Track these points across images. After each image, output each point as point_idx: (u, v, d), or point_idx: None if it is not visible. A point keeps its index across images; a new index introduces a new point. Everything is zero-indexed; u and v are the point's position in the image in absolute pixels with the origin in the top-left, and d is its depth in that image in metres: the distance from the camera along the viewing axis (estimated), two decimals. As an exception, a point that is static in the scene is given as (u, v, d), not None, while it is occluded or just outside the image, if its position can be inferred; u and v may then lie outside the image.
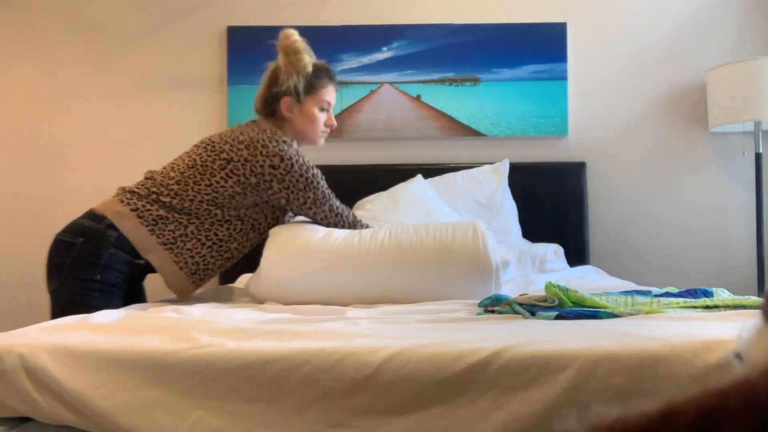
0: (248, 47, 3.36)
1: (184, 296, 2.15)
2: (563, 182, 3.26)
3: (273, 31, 3.43)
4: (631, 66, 3.36)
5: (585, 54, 3.37)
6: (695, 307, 1.63)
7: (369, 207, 2.97)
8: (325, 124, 2.25)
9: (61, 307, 1.97)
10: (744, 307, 1.60)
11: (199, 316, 1.66)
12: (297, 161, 2.07)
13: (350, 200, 3.12)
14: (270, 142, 2.07)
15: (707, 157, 3.34)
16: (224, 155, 2.06)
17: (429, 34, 3.37)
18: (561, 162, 3.30)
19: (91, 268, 1.98)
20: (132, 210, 2.03)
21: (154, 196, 2.06)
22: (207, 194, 2.06)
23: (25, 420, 1.31)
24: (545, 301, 1.68)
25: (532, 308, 1.65)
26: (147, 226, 2.03)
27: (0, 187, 3.40)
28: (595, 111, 3.37)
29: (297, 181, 2.07)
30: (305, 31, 3.41)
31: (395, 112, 3.36)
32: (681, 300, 1.72)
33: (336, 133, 3.35)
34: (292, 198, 2.08)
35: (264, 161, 2.05)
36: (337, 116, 3.35)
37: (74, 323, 1.55)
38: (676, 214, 3.34)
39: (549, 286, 1.69)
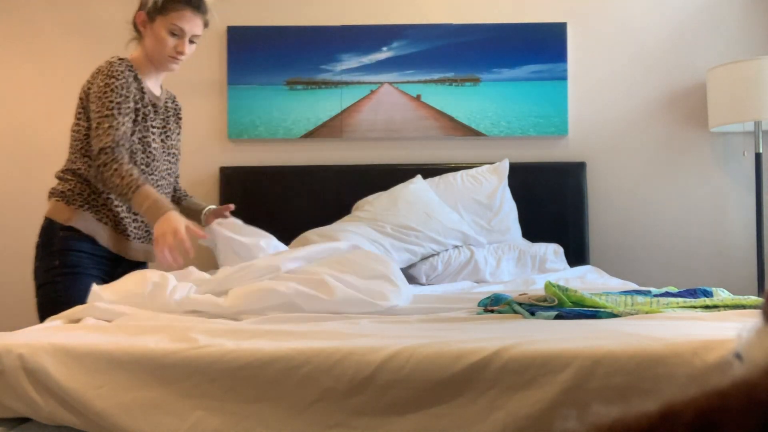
0: (248, 47, 3.36)
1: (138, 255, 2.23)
2: (563, 182, 3.26)
3: (273, 31, 3.45)
4: (631, 66, 3.36)
5: (585, 54, 3.37)
6: (695, 307, 1.63)
7: (369, 207, 2.97)
8: (176, 50, 2.19)
9: (39, 298, 2.12)
10: (744, 307, 1.60)
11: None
12: (105, 72, 2.09)
13: (350, 200, 3.12)
14: (103, 64, 2.13)
15: (707, 157, 3.34)
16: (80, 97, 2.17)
17: (429, 34, 3.37)
18: (561, 162, 3.30)
19: (49, 256, 2.10)
20: (50, 195, 2.16)
21: (59, 175, 2.18)
22: (76, 142, 2.14)
23: (24, 420, 1.31)
24: (545, 301, 1.68)
25: (531, 308, 1.65)
26: (61, 200, 2.13)
27: (0, 186, 3.40)
28: (595, 111, 3.36)
29: (98, 88, 2.08)
30: (305, 31, 3.43)
31: (395, 112, 3.36)
32: (681, 300, 1.72)
33: (336, 133, 3.35)
34: (92, 106, 2.10)
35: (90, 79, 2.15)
36: (337, 116, 3.35)
37: (73, 324, 1.55)
38: (676, 214, 3.33)
39: (548, 285, 1.69)
